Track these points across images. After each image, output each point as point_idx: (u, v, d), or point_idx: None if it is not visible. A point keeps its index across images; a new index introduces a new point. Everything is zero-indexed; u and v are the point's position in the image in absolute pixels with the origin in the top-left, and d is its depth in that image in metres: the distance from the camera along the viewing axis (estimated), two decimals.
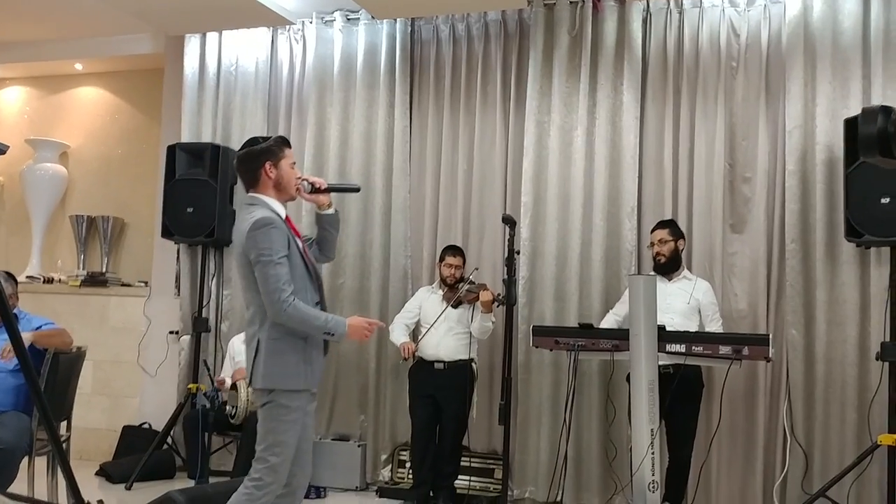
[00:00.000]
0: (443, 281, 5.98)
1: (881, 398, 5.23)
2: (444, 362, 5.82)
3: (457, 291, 5.84)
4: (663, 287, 5.38)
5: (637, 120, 6.09)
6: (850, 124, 5.26)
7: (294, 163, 3.92)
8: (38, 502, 4.54)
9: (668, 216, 5.93)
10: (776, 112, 5.88)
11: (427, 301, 6.03)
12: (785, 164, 5.74)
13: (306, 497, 6.08)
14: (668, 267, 5.51)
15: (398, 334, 5.99)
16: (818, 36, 5.70)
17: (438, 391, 5.83)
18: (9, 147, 2.73)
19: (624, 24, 6.16)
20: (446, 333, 5.80)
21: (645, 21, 6.17)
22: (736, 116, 5.93)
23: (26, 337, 4.77)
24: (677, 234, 5.57)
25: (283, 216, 3.83)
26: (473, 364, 5.90)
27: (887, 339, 5.18)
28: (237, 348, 6.40)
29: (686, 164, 6.03)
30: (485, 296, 5.67)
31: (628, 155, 6.06)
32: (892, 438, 5.02)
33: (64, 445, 5.07)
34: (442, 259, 6.02)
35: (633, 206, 6.03)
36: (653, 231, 5.64)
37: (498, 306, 5.63)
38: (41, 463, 4.89)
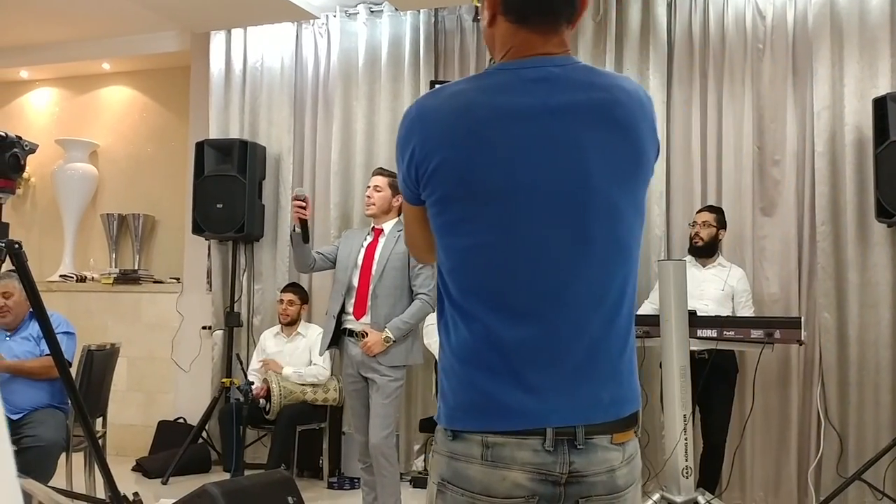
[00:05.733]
0: None
1: None
2: None
3: None
4: (698, 274, 5.36)
5: (664, 104, 6.06)
6: (879, 104, 5.21)
7: (367, 186, 4.96)
8: (77, 496, 4.60)
9: (697, 200, 5.91)
10: (804, 93, 5.82)
11: None
12: (814, 145, 5.69)
13: (340, 488, 6.16)
14: (703, 251, 5.47)
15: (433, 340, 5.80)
16: (845, 15, 5.64)
17: None
18: (38, 146, 2.76)
19: (648, 9, 6.12)
20: None
21: (669, 5, 6.13)
22: (763, 99, 5.88)
23: (10, 365, 4.81)
24: (721, 222, 5.52)
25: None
26: None
27: None
28: (268, 342, 6.45)
29: (714, 147, 6.00)
30: None
31: None
32: None
33: (100, 441, 5.13)
34: None
35: (661, 192, 6.00)
36: (699, 212, 5.61)
37: None
38: (78, 459, 4.95)
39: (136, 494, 2.90)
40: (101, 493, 3.40)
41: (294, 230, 4.71)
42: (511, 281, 1.61)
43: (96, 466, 3.60)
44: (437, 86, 2.05)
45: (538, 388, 1.59)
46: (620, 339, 1.67)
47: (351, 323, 4.77)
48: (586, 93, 1.65)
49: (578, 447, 1.59)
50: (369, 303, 4.71)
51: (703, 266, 5.48)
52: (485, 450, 1.58)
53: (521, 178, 1.61)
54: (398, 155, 1.73)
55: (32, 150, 2.69)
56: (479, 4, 1.80)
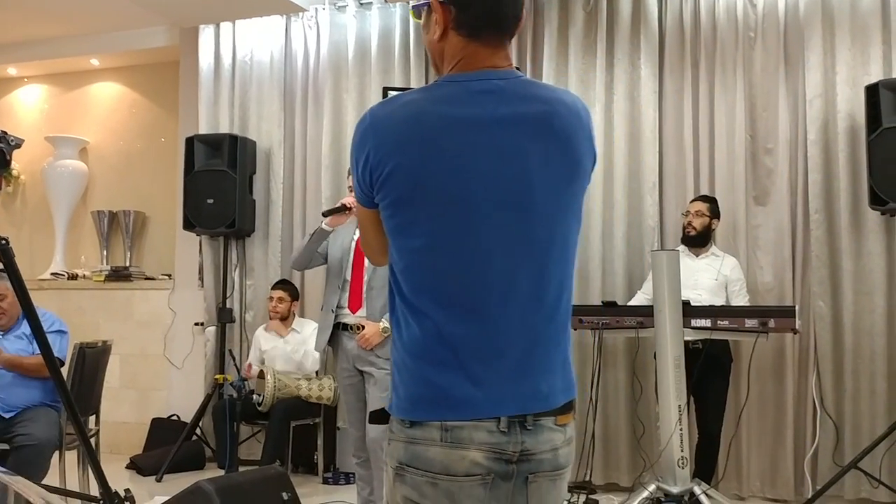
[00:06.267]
0: None
1: None
2: None
3: None
4: (691, 263, 5.35)
5: (656, 94, 6.04)
6: (871, 91, 5.19)
7: (349, 187, 4.80)
8: (70, 494, 4.57)
9: (690, 190, 5.89)
10: (796, 81, 5.81)
11: None
12: (806, 133, 5.68)
13: (335, 483, 6.14)
14: (696, 241, 5.46)
15: None
16: (836, 3, 5.63)
17: None
18: (23, 141, 2.73)
19: None
20: None
21: None
22: (755, 87, 5.87)
23: (9, 358, 4.81)
24: (715, 212, 5.51)
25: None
26: None
27: None
28: (262, 340, 6.42)
29: (707, 137, 5.97)
30: None
31: (648, 130, 6.01)
32: None
33: (93, 439, 5.11)
34: None
35: (654, 182, 5.99)
36: (692, 202, 5.60)
37: None
38: (72, 457, 4.93)
39: (127, 491, 2.88)
40: (94, 490, 3.38)
41: (326, 214, 4.68)
42: (459, 281, 1.73)
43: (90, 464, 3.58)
44: (390, 92, 2.33)
45: (485, 381, 1.71)
46: (558, 335, 1.80)
47: (346, 317, 4.73)
48: (529, 105, 1.78)
49: (528, 428, 1.73)
50: (364, 295, 4.66)
51: (697, 256, 5.47)
52: (444, 433, 1.69)
53: (470, 183, 1.72)
54: (352, 160, 1.83)
55: (18, 145, 2.66)
56: (419, 20, 1.90)
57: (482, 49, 1.80)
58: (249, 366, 6.20)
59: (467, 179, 1.72)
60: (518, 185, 1.74)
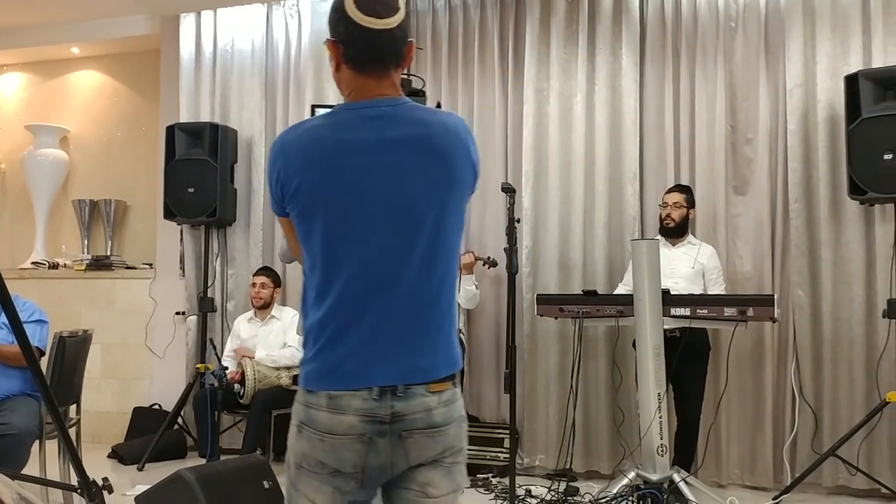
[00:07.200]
0: None
1: (889, 356, 5.23)
2: None
3: None
4: (668, 252, 5.37)
5: (636, 84, 6.05)
6: (851, 81, 5.22)
7: None
8: (49, 483, 4.56)
9: (670, 180, 5.91)
10: (776, 71, 5.83)
11: None
12: (786, 123, 5.70)
13: None
14: (675, 231, 5.48)
15: None
16: None
17: None
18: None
19: None
20: None
21: None
22: (736, 77, 5.88)
23: None
24: (691, 202, 5.54)
25: None
26: (461, 335, 5.88)
27: (894, 296, 5.17)
28: (241, 327, 6.42)
29: (687, 126, 5.99)
30: (465, 259, 5.75)
31: (629, 120, 6.03)
32: None
33: (74, 429, 5.10)
34: None
35: (635, 172, 6.00)
36: (668, 192, 5.62)
37: (488, 267, 5.97)
38: (52, 446, 4.91)
39: (105, 479, 2.88)
40: (75, 480, 3.39)
41: None
42: (353, 277, 2.02)
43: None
44: (317, 109, 2.55)
45: (370, 359, 2.02)
46: (438, 319, 2.08)
47: None
48: (412, 128, 2.05)
49: (399, 395, 2.02)
50: None
51: (673, 245, 5.50)
52: (329, 400, 2.02)
53: (362, 196, 2.01)
54: (267, 178, 2.14)
55: None
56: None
57: (369, 80, 2.08)
58: (233, 374, 6.12)
59: (360, 193, 2.01)
60: (403, 195, 2.02)
